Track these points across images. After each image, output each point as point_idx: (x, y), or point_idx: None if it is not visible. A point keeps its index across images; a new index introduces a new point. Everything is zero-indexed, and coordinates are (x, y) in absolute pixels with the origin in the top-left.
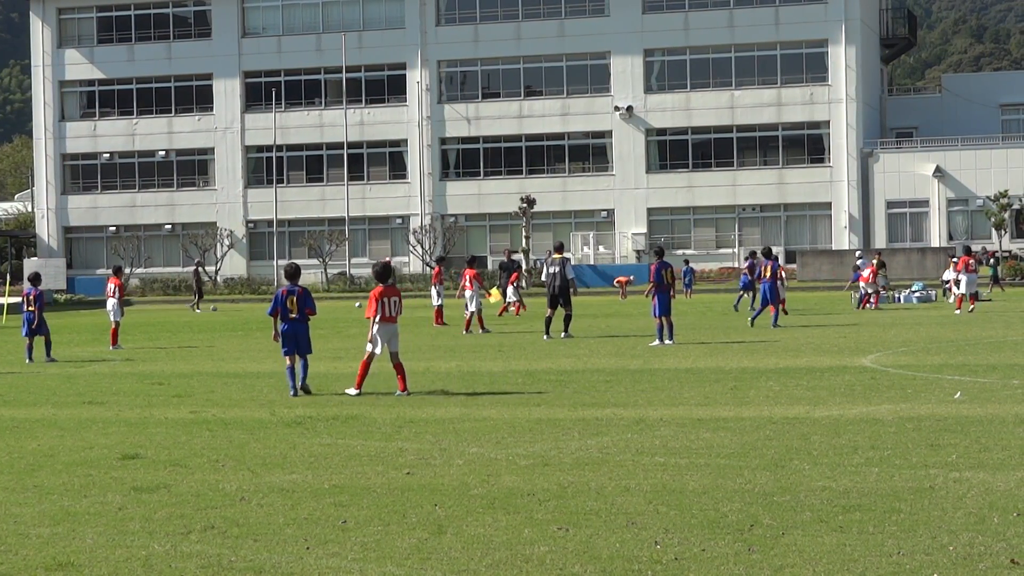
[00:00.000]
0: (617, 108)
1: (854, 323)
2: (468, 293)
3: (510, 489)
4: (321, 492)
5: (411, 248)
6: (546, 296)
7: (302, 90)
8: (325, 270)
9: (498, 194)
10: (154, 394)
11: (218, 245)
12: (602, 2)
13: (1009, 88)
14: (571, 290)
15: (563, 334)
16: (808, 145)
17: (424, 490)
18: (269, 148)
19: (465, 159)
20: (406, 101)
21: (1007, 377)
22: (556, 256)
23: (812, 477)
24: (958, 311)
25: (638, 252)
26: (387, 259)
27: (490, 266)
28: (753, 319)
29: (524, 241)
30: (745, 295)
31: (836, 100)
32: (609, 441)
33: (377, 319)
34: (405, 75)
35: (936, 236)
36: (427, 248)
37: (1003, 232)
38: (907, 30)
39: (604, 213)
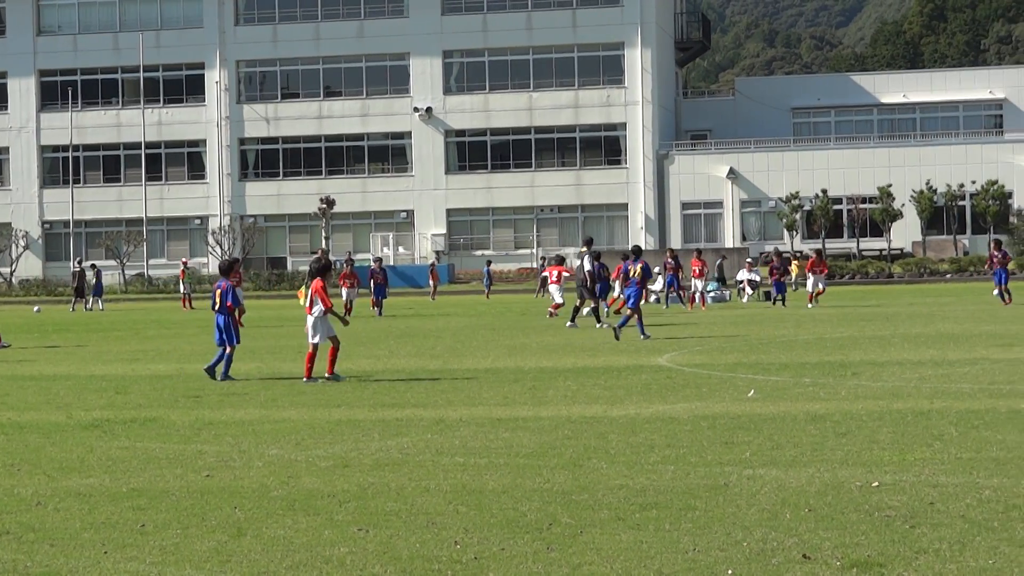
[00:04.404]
0: (416, 109)
1: (650, 323)
2: (554, 288)
3: (310, 491)
4: (119, 496)
5: (210, 249)
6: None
7: (99, 89)
8: (123, 271)
9: (297, 195)
10: None
11: (13, 246)
12: (401, 3)
13: (800, 92)
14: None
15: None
16: (605, 147)
17: (223, 492)
18: (65, 148)
19: (264, 159)
20: (204, 101)
21: (798, 375)
22: (583, 250)
23: (610, 476)
24: (810, 305)
25: (437, 253)
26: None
27: (290, 267)
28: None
29: (324, 242)
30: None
31: (632, 102)
32: (409, 442)
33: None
34: (203, 75)
35: (730, 237)
36: (226, 249)
37: (795, 233)
38: (701, 34)
39: (404, 214)
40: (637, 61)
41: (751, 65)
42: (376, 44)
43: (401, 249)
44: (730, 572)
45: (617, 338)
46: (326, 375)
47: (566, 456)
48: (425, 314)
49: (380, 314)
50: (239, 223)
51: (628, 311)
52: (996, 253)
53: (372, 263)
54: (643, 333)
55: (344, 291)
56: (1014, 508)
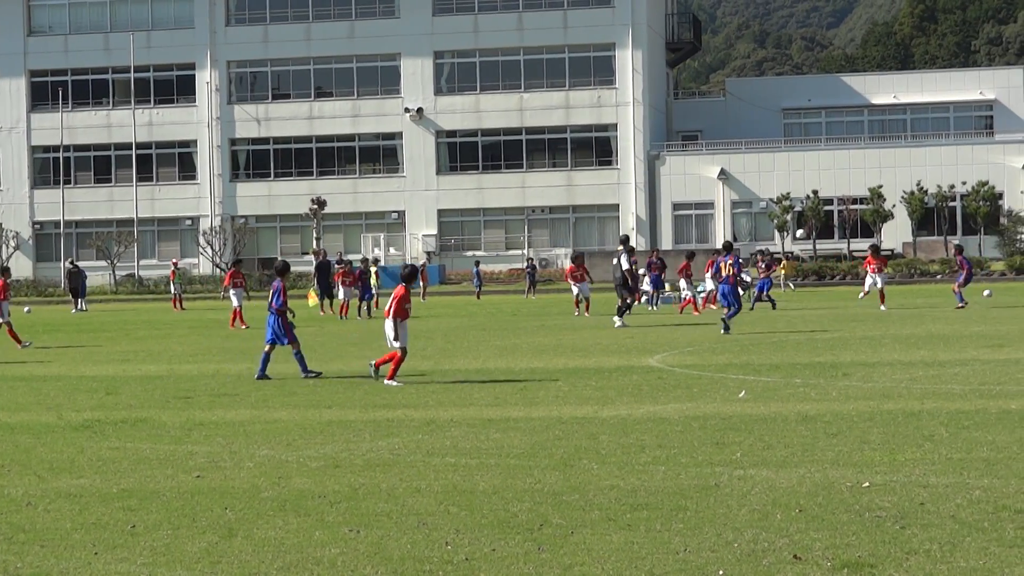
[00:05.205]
0: (407, 110)
1: (641, 324)
2: (575, 288)
3: (301, 491)
4: (110, 496)
5: (201, 250)
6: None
7: (90, 90)
8: (113, 272)
9: (288, 195)
10: None
11: (3, 247)
12: (392, 4)
13: (791, 92)
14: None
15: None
16: (596, 147)
17: (214, 493)
18: (56, 148)
19: (255, 160)
20: (195, 101)
21: (789, 376)
22: (620, 248)
23: (600, 476)
24: (881, 304)
25: (428, 254)
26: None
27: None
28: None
29: (315, 243)
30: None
31: (623, 103)
32: (400, 442)
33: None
34: (194, 75)
35: (721, 237)
36: (217, 250)
37: (785, 234)
38: (692, 34)
39: (395, 215)
40: (628, 62)
41: (742, 66)
42: (367, 45)
43: (392, 250)
44: (721, 573)
45: (727, 331)
46: (385, 377)
47: (557, 457)
48: (416, 315)
49: (370, 316)
50: (230, 223)
51: (727, 310)
52: (959, 258)
53: (359, 264)
54: (726, 327)
55: (341, 291)
56: (1004, 508)
